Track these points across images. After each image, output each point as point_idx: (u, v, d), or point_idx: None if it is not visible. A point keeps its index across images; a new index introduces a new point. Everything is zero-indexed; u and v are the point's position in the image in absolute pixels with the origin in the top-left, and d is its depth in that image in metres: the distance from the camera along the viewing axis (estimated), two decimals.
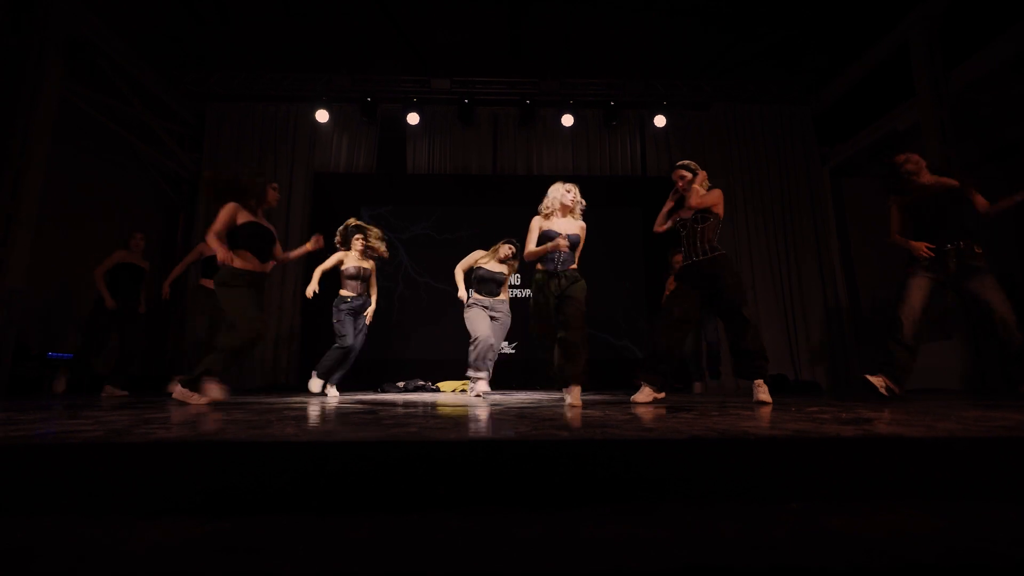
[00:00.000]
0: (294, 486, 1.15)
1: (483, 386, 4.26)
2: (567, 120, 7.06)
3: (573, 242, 3.26)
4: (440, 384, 5.95)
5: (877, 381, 3.18)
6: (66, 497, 1.12)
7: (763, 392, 3.04)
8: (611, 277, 7.11)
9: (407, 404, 3.05)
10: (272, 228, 3.38)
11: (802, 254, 7.02)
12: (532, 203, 3.47)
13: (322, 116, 6.83)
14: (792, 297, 6.92)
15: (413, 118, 6.97)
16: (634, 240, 7.38)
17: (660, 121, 7.07)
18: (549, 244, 3.19)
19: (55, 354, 4.79)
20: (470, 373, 4.30)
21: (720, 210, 3.29)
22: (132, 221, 6.36)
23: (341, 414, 2.24)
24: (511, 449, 1.21)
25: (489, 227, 5.80)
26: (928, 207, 3.24)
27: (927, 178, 3.31)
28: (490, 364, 4.33)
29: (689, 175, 3.40)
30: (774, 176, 7.21)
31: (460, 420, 1.93)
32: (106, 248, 4.68)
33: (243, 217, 3.18)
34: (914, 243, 3.22)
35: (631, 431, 1.44)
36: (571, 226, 3.31)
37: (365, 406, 2.86)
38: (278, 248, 3.43)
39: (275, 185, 3.47)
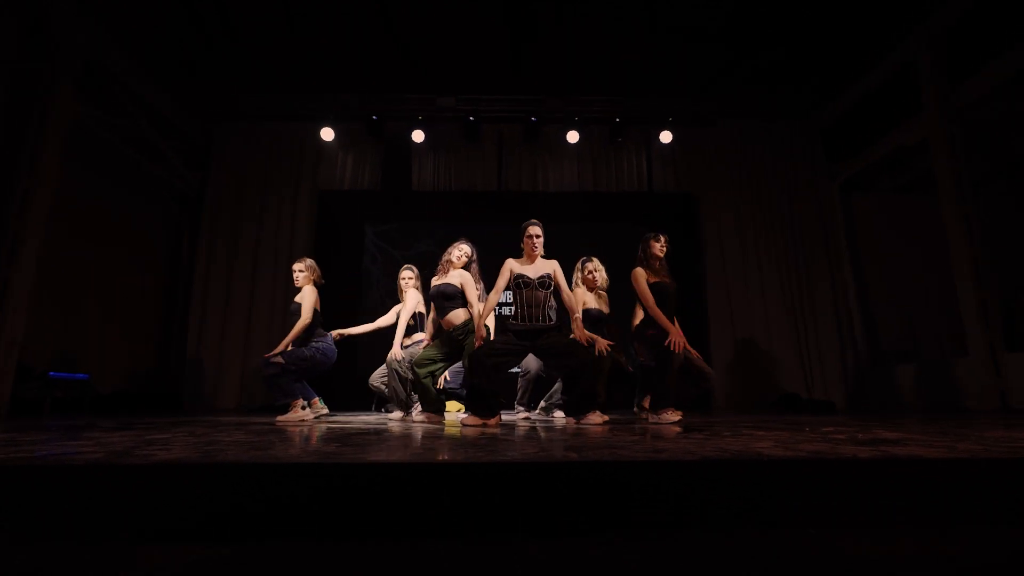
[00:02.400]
0: (293, 510, 1.12)
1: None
2: (572, 137, 7.07)
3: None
4: None
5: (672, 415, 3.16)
6: (67, 522, 1.10)
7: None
8: (618, 293, 7.06)
9: (407, 426, 3.01)
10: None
11: (813, 270, 6.94)
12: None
13: (327, 135, 6.88)
14: (804, 314, 6.83)
15: (418, 136, 7.01)
16: None
17: (666, 137, 7.05)
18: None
19: (56, 374, 4.75)
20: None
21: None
22: (138, 238, 6.40)
23: (343, 435, 2.22)
24: (517, 471, 1.18)
25: (494, 244, 5.76)
26: (669, 290, 3.41)
27: (663, 262, 3.48)
28: None
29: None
30: (782, 191, 7.16)
31: (465, 442, 1.90)
32: (113, 266, 4.61)
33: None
34: (672, 328, 3.27)
35: (641, 452, 1.41)
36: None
37: (369, 427, 2.83)
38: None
39: None
